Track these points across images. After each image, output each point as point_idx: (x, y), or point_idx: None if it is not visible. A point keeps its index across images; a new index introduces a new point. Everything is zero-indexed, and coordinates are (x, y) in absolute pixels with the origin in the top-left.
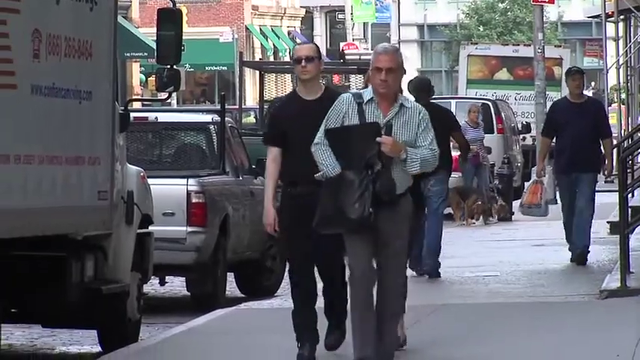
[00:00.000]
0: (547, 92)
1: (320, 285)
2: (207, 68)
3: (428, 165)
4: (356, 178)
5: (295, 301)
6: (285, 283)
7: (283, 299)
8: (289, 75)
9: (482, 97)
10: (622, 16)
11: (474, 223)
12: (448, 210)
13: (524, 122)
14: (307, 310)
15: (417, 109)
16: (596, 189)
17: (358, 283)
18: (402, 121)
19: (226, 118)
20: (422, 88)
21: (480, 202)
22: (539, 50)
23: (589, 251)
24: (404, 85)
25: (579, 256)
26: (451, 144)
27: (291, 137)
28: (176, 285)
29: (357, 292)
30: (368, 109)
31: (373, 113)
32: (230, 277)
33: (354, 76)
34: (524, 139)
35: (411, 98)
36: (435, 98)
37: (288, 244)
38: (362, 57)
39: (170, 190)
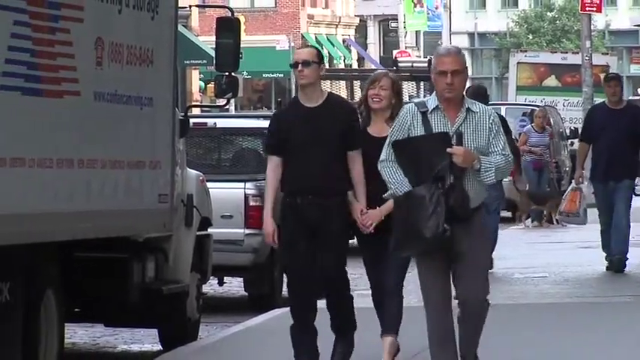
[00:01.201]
0: (595, 98)
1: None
2: (264, 75)
3: (502, 173)
4: (426, 194)
5: (293, 317)
6: None
7: None
8: (344, 82)
9: (531, 103)
10: None
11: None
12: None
13: (572, 128)
14: (305, 329)
15: (487, 113)
16: (635, 193)
17: (435, 316)
18: (471, 128)
19: None
20: (479, 93)
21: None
22: (587, 58)
23: (627, 258)
24: None
25: (618, 263)
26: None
27: (291, 146)
28: (234, 285)
29: (433, 326)
30: (433, 118)
31: (440, 122)
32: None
33: (406, 82)
34: (572, 144)
35: None
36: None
37: (285, 259)
38: (414, 64)
39: (228, 193)
